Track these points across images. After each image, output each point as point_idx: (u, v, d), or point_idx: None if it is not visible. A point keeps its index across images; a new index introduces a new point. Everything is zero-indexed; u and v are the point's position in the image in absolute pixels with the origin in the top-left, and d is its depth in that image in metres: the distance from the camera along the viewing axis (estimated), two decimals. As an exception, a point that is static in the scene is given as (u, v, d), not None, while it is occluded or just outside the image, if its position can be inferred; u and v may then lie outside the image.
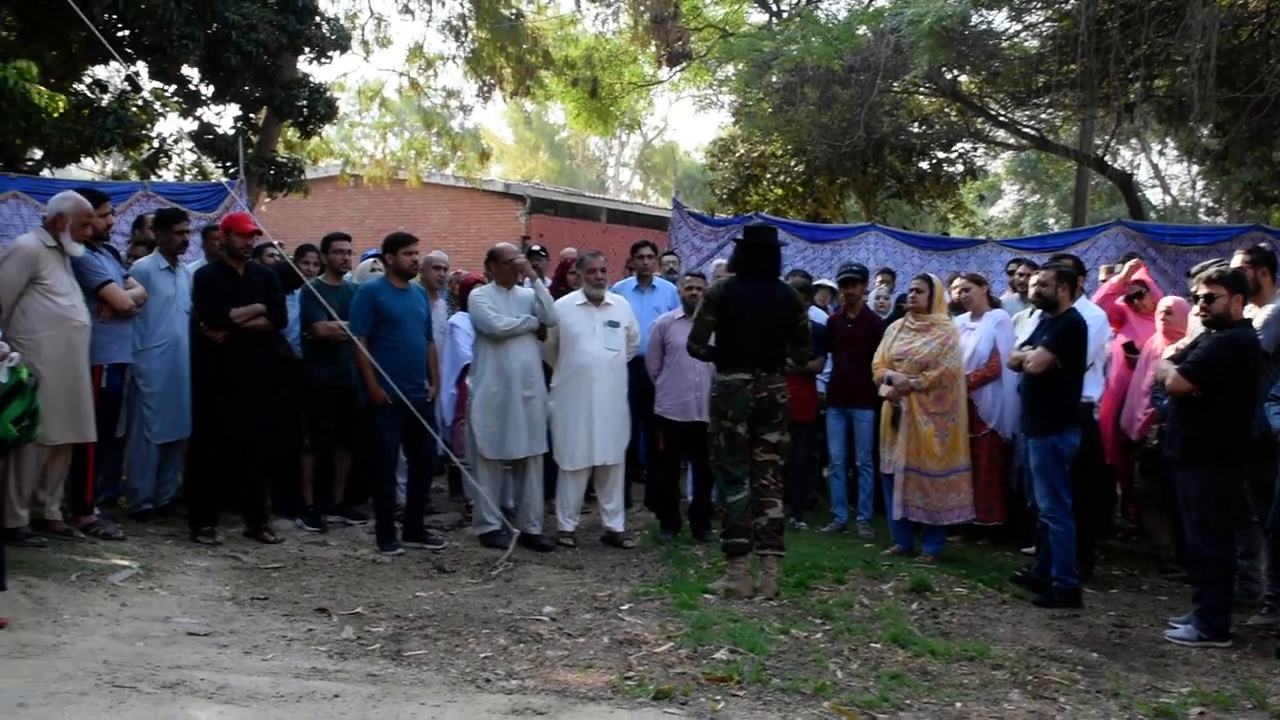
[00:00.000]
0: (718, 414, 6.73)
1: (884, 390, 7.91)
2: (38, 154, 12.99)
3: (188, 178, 15.34)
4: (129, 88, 13.54)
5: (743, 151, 20.08)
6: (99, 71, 14.02)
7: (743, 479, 6.69)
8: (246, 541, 7.68)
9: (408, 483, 8.15)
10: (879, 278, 10.85)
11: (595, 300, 8.16)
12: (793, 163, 19.19)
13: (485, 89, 20.53)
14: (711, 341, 6.86)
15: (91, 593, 5.81)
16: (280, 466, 8.36)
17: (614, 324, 8.18)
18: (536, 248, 10.63)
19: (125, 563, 6.50)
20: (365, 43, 19.46)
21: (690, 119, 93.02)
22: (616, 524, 8.17)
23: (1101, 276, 9.48)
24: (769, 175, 19.77)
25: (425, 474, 8.07)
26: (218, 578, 6.63)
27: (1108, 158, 19.21)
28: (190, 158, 15.51)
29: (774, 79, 16.88)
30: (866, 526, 8.80)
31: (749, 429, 6.67)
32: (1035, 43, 15.18)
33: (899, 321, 8.16)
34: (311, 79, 14.58)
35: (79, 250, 6.88)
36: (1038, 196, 34.59)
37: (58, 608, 5.44)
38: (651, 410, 8.50)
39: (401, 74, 21.20)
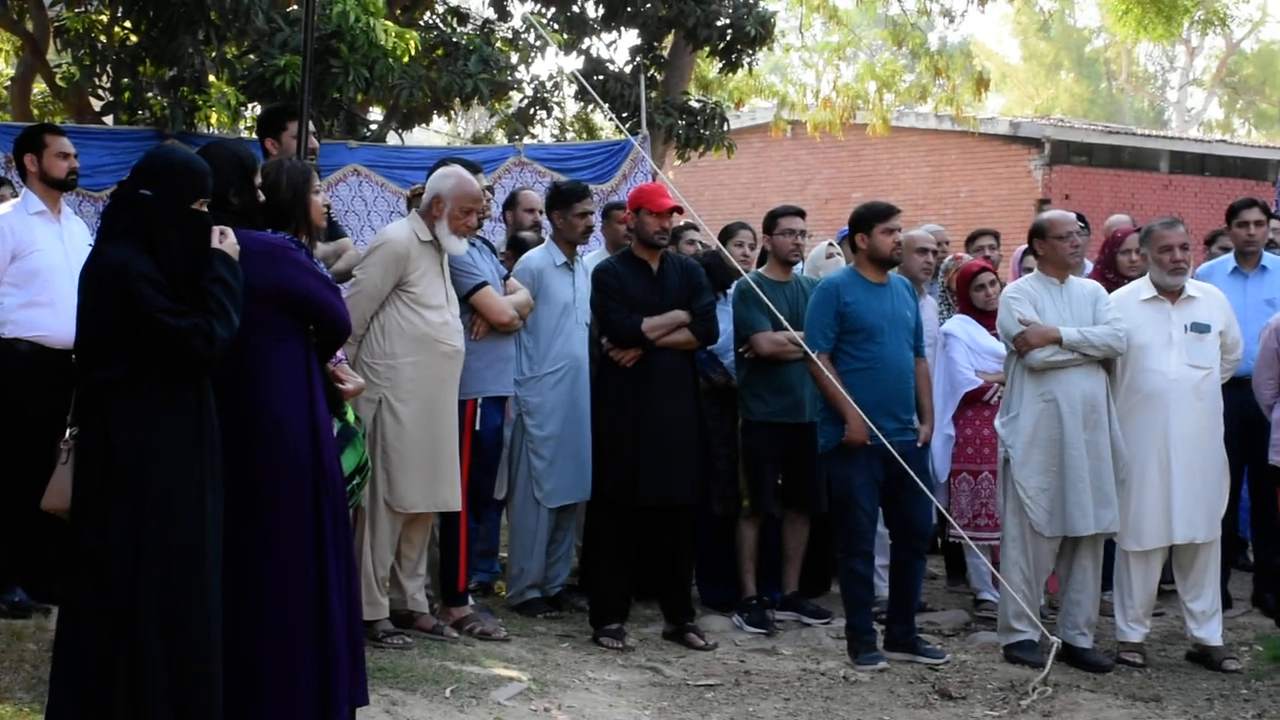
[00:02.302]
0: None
1: None
2: (378, 114, 14.14)
3: (570, 136, 16.19)
4: (494, 16, 14.47)
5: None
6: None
7: None
8: (667, 646, 7.96)
9: (890, 565, 8.20)
10: None
11: (1172, 293, 7.90)
12: None
13: (982, -16, 20.39)
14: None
15: (471, 714, 6.21)
16: (709, 540, 8.64)
17: (1201, 328, 7.88)
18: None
19: (512, 674, 6.90)
20: (807, -71, 19.87)
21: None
22: (1210, 633, 7.86)
23: None
24: None
25: (914, 552, 8.07)
26: (633, 697, 6.91)
27: None
28: (573, 108, 16.38)
29: None
30: None
31: None
32: None
33: None
34: (736, -13, 14.97)
35: (461, 247, 7.34)
36: None
37: (431, 733, 5.87)
38: (1263, 458, 8.11)
39: (858, -31, 21.44)
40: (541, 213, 9.16)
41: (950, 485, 8.97)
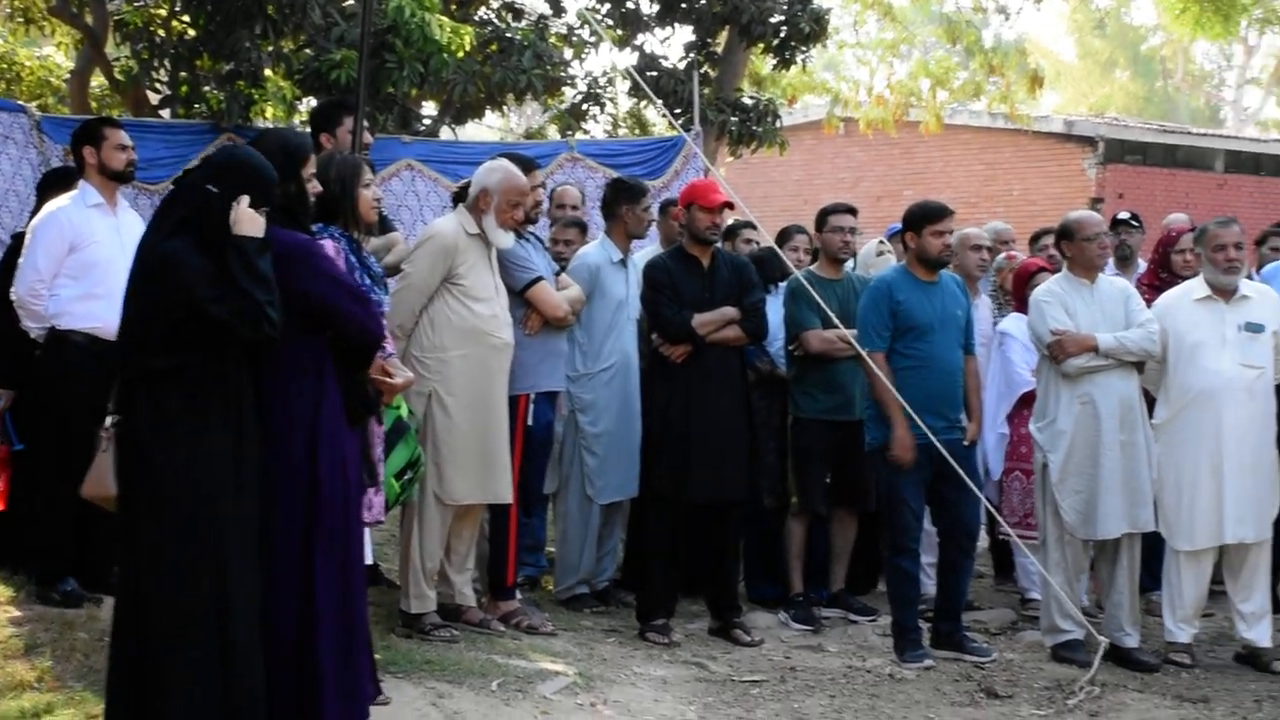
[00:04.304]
0: None
1: None
2: (431, 108, 14.19)
3: (622, 131, 16.18)
4: (548, 11, 14.46)
5: None
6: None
7: None
8: (713, 642, 7.98)
9: (937, 564, 8.17)
10: None
11: (1225, 293, 7.83)
12: None
13: (1038, -20, 20.30)
14: None
15: (517, 707, 6.24)
16: (757, 536, 8.65)
17: (1255, 328, 7.80)
18: (1124, 215, 10.36)
19: (558, 668, 6.91)
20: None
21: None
22: (1259, 635, 7.79)
23: None
24: None
25: (961, 551, 8.04)
26: (679, 693, 6.91)
27: None
28: (626, 104, 16.37)
29: None
30: None
31: None
32: None
33: None
34: (792, -17, 14.91)
35: (508, 241, 7.37)
36: None
37: (476, 726, 5.89)
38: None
39: (913, -36, 21.38)
40: (575, 208, 9.20)
41: (1003, 483, 8.94)
